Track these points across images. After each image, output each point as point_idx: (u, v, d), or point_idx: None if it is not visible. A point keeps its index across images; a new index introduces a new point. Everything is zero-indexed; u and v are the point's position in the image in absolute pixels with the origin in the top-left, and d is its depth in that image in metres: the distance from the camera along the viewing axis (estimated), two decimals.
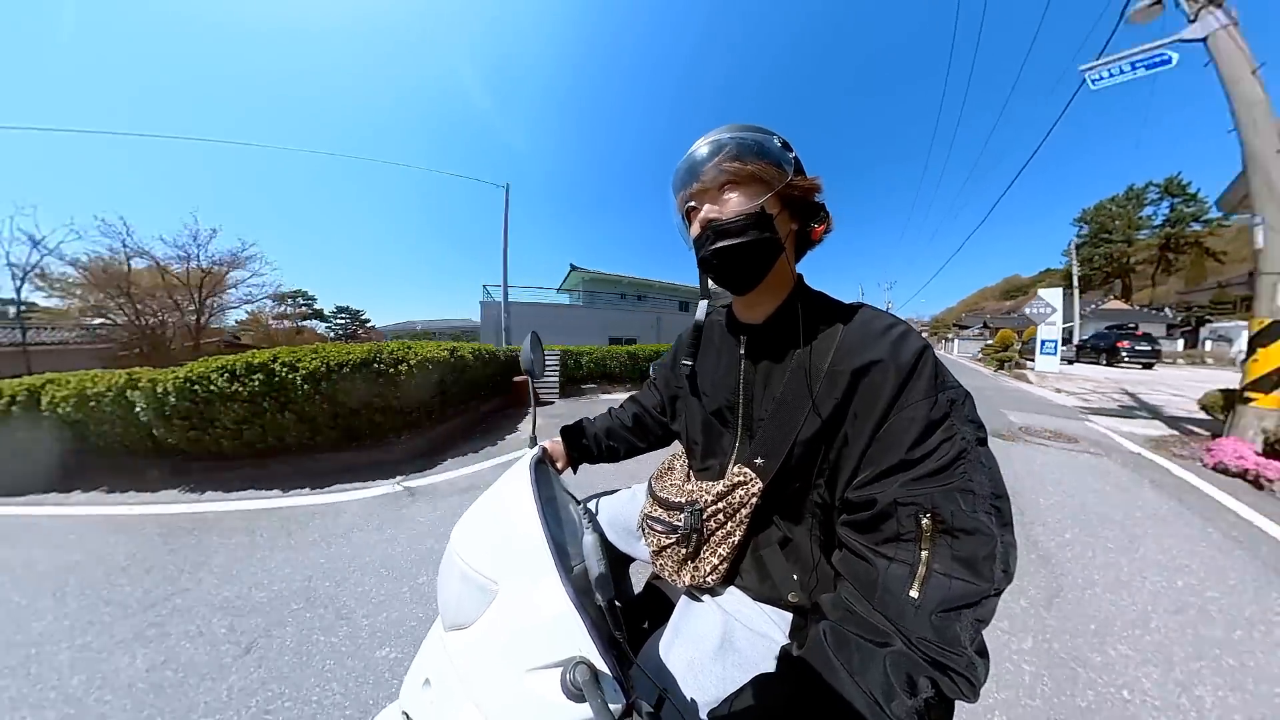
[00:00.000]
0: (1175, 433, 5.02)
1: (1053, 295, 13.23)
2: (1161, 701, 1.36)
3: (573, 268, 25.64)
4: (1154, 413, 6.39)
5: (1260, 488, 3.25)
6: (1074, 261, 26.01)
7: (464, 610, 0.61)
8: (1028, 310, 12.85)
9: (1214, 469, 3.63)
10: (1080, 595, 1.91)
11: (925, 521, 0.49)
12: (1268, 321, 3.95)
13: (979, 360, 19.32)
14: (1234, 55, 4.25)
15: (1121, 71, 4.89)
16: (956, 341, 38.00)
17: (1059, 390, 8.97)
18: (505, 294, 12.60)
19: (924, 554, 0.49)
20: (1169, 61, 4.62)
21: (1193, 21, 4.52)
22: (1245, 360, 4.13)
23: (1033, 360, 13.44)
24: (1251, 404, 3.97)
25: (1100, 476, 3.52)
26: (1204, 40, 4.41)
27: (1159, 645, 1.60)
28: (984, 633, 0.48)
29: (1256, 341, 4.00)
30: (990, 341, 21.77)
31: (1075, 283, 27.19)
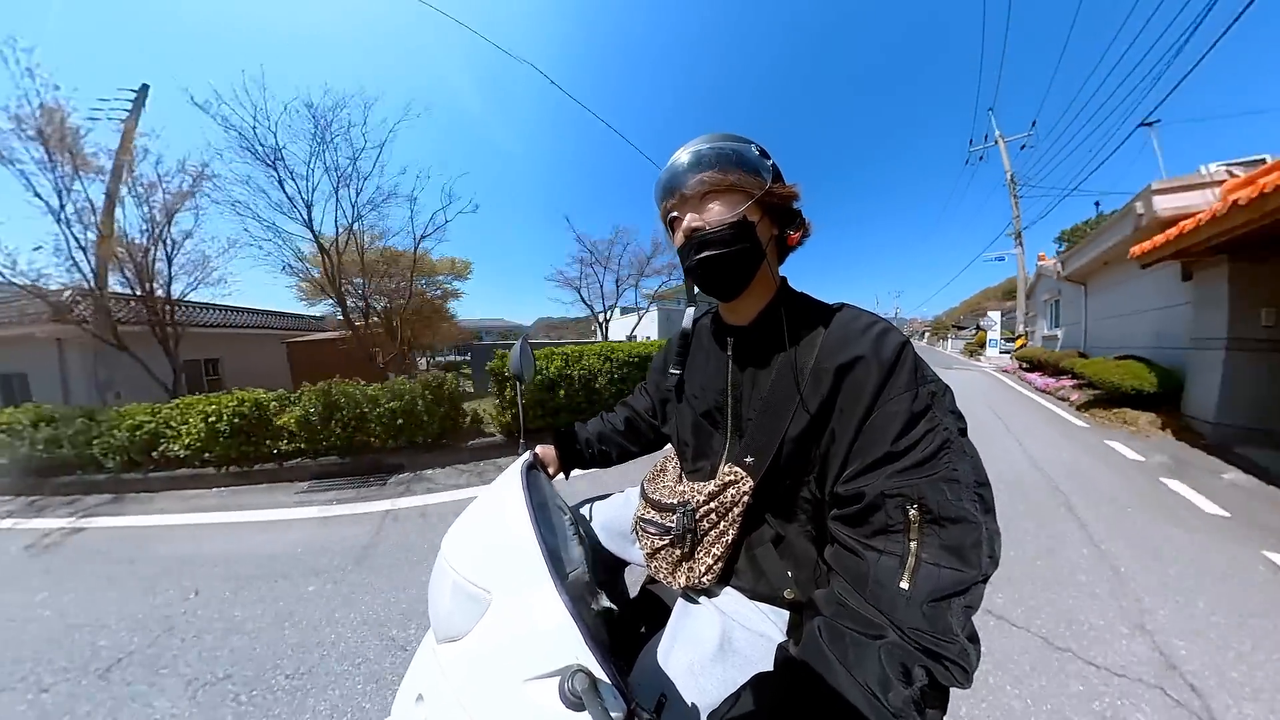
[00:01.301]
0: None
1: (994, 314, 23.82)
2: (974, 412, 11.98)
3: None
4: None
5: (1009, 372, 14.07)
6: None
7: (456, 621, 0.59)
8: (981, 323, 23.64)
9: (1005, 372, 14.36)
10: (962, 393, 12.34)
11: (913, 512, 0.50)
12: (1016, 334, 14.91)
13: (960, 353, 30.33)
14: (1019, 261, 15.07)
15: (989, 260, 15.78)
16: (950, 340, 48.83)
17: (989, 362, 19.90)
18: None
19: (913, 545, 0.50)
20: (1003, 259, 15.48)
21: (1015, 246, 15.36)
22: (1014, 340, 15.04)
23: (986, 349, 24.25)
24: (1013, 354, 14.68)
25: (978, 376, 13.94)
26: (1015, 253, 15.24)
27: (976, 389, 12.13)
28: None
29: (1017, 337, 14.87)
30: (971, 340, 32.76)
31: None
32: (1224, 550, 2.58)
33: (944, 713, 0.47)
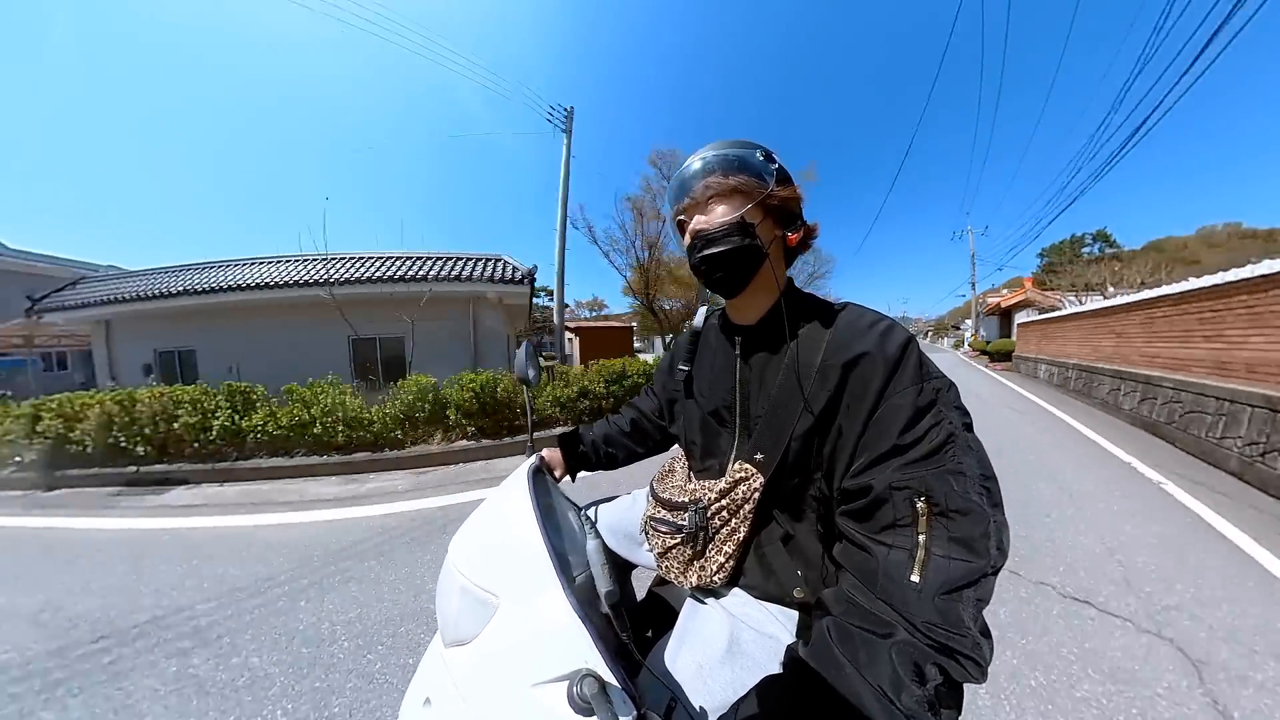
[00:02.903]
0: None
1: (969, 322, 39.33)
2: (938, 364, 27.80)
3: None
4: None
5: (967, 354, 29.91)
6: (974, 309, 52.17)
7: (464, 625, 0.59)
8: (960, 326, 39.08)
9: (965, 355, 30.17)
10: (937, 362, 28.82)
11: (920, 505, 0.50)
12: (971, 334, 30.87)
13: (951, 346, 46.05)
14: (973, 299, 30.85)
15: (958, 295, 31.39)
16: (946, 338, 64.51)
17: (961, 350, 35.74)
18: None
19: (921, 538, 0.49)
20: (966, 296, 31.10)
21: (971, 292, 31.12)
22: (966, 336, 30.97)
23: (963, 345, 39.91)
24: (972, 343, 30.57)
25: (950, 357, 30.20)
26: (972, 295, 30.94)
27: (943, 360, 27.83)
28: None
29: (974, 336, 30.76)
30: (957, 339, 48.41)
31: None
32: (979, 369, 19.29)
33: (959, 712, 0.46)
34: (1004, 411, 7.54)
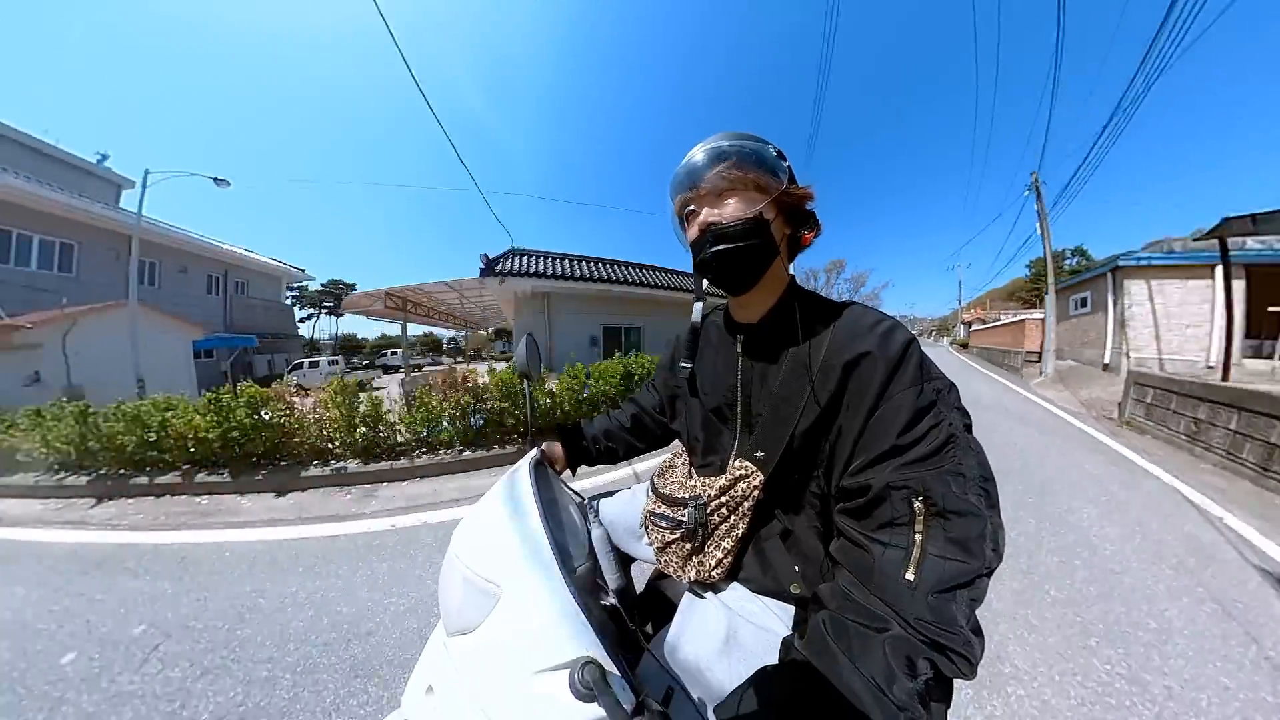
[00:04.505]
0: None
1: (962, 326, 47.87)
2: (934, 355, 39.92)
3: None
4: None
5: (953, 349, 40.90)
6: (960, 318, 63.63)
7: (467, 614, 0.60)
8: (955, 327, 50.39)
9: (953, 349, 38.81)
10: (933, 356, 43.10)
11: (918, 505, 0.50)
12: (959, 336, 42.39)
13: (948, 344, 53.18)
14: (960, 311, 42.93)
15: (951, 307, 42.53)
16: (946, 338, 74.59)
17: (952, 347, 46.32)
18: None
19: (918, 537, 0.49)
20: (963, 303, 43.02)
21: (959, 306, 43.32)
22: (956, 336, 42.58)
23: (953, 343, 47.07)
24: (957, 340, 38.56)
25: (943, 351, 32.67)
26: (960, 309, 42.99)
27: (936, 354, 29.67)
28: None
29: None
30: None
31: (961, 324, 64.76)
32: (955, 353, 25.66)
33: (948, 706, 0.46)
34: (952, 365, 18.33)
